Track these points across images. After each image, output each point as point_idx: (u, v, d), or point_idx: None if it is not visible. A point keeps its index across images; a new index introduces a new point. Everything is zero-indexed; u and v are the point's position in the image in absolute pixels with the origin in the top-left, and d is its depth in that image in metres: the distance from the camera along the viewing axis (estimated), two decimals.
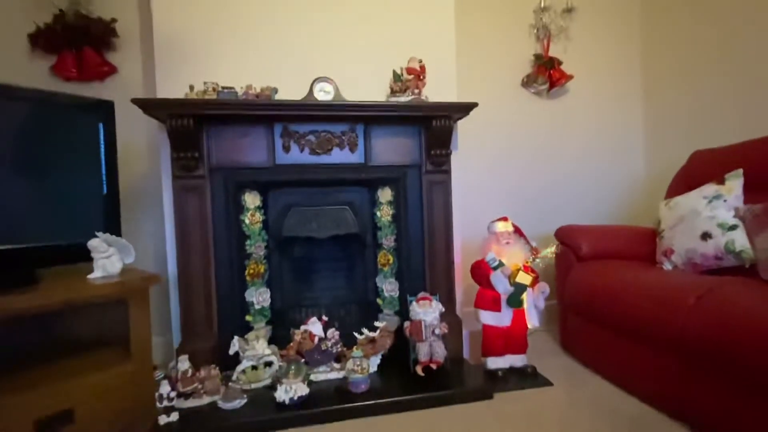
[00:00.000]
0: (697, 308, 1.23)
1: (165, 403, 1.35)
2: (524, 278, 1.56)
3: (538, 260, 1.63)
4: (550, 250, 1.63)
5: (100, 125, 1.46)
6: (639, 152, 2.59)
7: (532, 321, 1.63)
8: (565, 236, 1.93)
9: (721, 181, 1.66)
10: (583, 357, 1.82)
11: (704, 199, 1.64)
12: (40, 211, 1.36)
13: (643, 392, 1.47)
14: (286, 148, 1.66)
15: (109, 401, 1.28)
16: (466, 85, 2.05)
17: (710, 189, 1.66)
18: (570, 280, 1.85)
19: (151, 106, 1.44)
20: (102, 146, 1.46)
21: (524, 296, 1.60)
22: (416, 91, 1.70)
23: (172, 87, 1.60)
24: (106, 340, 1.46)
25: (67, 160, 1.41)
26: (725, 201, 1.58)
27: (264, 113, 1.56)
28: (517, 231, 1.72)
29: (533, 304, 1.63)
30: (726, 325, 1.13)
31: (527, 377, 1.67)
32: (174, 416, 1.36)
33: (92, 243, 1.35)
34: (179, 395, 1.43)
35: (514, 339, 1.68)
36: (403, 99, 1.68)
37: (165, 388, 1.36)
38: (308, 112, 1.59)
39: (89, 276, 1.35)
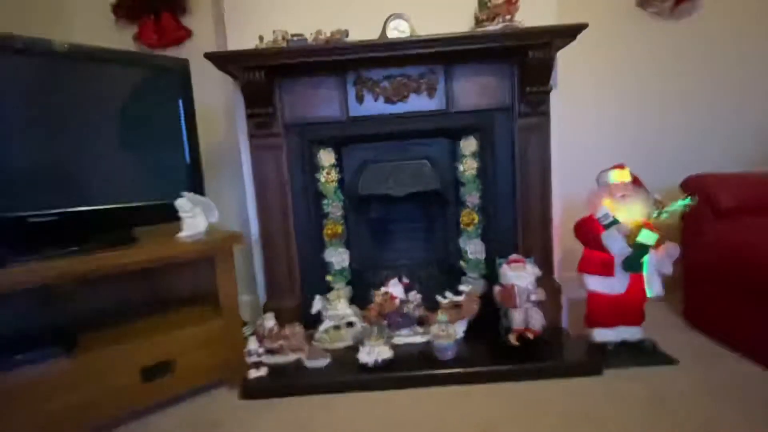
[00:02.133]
0: None
1: (254, 358, 1.37)
2: (648, 237, 1.27)
3: (665, 215, 1.32)
4: (682, 203, 1.31)
5: (181, 91, 1.45)
6: None
7: (654, 289, 1.35)
8: (697, 187, 1.55)
9: None
10: (715, 332, 1.50)
11: None
12: (133, 174, 1.41)
13: None
14: (360, 98, 1.52)
15: (204, 354, 1.34)
16: (566, 6, 1.69)
17: None
18: (704, 240, 1.50)
19: (222, 60, 1.39)
20: (182, 110, 1.46)
21: (645, 259, 1.32)
22: (507, 17, 1.43)
23: (242, 41, 1.53)
24: (197, 297, 1.52)
25: (152, 123, 1.43)
26: None
27: (335, 58, 1.42)
28: (636, 182, 1.41)
29: (656, 268, 1.34)
30: None
31: (644, 353, 1.41)
32: (263, 371, 1.38)
33: (179, 202, 1.38)
34: (267, 351, 1.45)
35: (628, 309, 1.43)
36: (492, 28, 1.42)
37: (253, 344, 1.38)
38: (381, 52, 1.41)
39: (178, 235, 1.39)
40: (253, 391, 1.33)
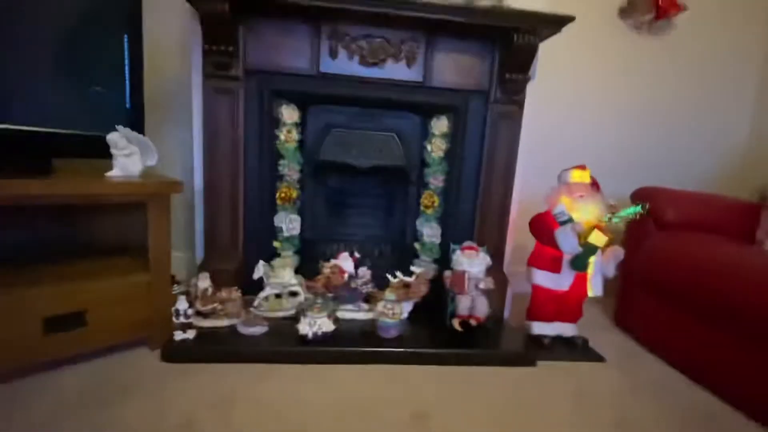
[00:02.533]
0: None
1: (182, 319, 1.25)
2: (598, 239, 1.30)
3: (616, 219, 1.36)
4: (635, 210, 1.35)
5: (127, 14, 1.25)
6: (746, 115, 2.15)
7: (595, 289, 1.40)
8: (647, 198, 1.61)
9: None
10: (643, 336, 1.60)
11: None
12: (63, 98, 1.22)
13: (719, 384, 1.25)
14: (333, 53, 1.41)
15: (124, 309, 1.20)
16: (554, 4, 1.66)
17: None
18: (645, 249, 1.58)
19: None
20: (127, 26, 1.27)
21: (592, 259, 1.36)
22: None
23: None
24: (123, 247, 1.37)
25: (88, 39, 1.24)
26: None
27: (312, 3, 1.28)
28: (595, 184, 1.44)
29: (601, 270, 1.38)
30: None
31: (576, 349, 1.47)
32: (190, 333, 1.27)
33: (111, 137, 1.21)
34: (198, 314, 1.33)
35: (568, 306, 1.47)
36: (484, 3, 1.35)
37: (182, 304, 1.25)
38: (363, 6, 1.30)
39: (107, 173, 1.22)
40: (175, 353, 1.22)
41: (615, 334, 1.68)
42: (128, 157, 1.24)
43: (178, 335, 1.26)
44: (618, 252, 1.36)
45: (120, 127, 1.22)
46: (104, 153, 1.22)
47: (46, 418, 0.95)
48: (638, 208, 1.34)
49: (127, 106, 1.32)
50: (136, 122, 1.32)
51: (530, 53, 1.39)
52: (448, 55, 1.46)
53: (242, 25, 1.36)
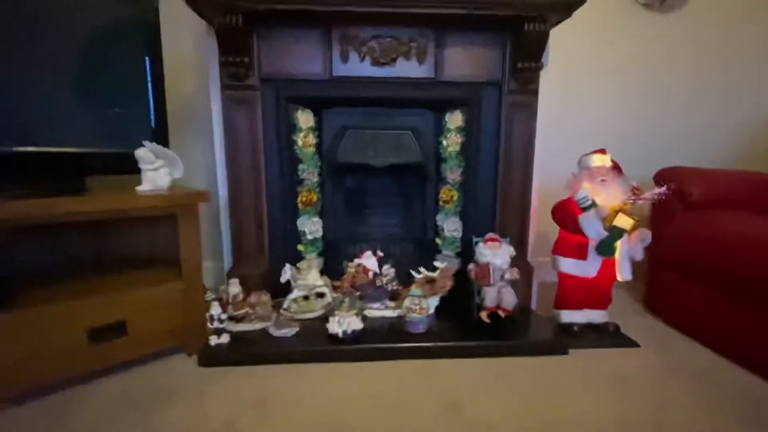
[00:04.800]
0: None
1: (216, 324, 1.29)
2: (624, 222, 1.28)
3: (640, 203, 1.34)
4: (659, 190, 1.32)
5: (149, 27, 1.31)
6: (765, 87, 2.07)
7: (624, 273, 1.37)
8: (670, 179, 1.58)
9: None
10: (675, 319, 1.56)
11: None
12: (92, 118, 1.28)
13: (756, 362, 1.22)
14: (345, 57, 1.43)
15: (161, 317, 1.25)
16: None
17: None
18: (672, 230, 1.54)
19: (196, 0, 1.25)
20: (150, 50, 1.33)
21: (618, 244, 1.34)
22: None
23: None
24: (157, 257, 1.42)
25: (115, 61, 1.30)
26: None
27: (321, 8, 1.31)
28: (616, 167, 1.42)
29: (628, 254, 1.36)
30: None
31: (608, 335, 1.45)
32: (225, 338, 1.31)
33: (139, 153, 1.26)
34: (230, 319, 1.37)
35: (596, 292, 1.45)
36: None
37: (216, 310, 1.29)
38: (372, 7, 1.32)
39: (137, 188, 1.27)
40: (212, 358, 1.25)
41: (647, 319, 1.64)
42: (156, 171, 1.29)
43: (213, 340, 1.30)
44: (645, 234, 1.34)
45: (147, 143, 1.26)
46: (133, 169, 1.28)
47: (94, 425, 1.00)
48: (663, 188, 1.32)
49: (152, 125, 1.38)
50: (161, 138, 1.37)
51: (542, 41, 1.38)
52: (458, 48, 1.47)
53: (256, 35, 1.40)
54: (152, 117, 1.37)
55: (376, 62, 1.44)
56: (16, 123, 1.15)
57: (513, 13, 1.32)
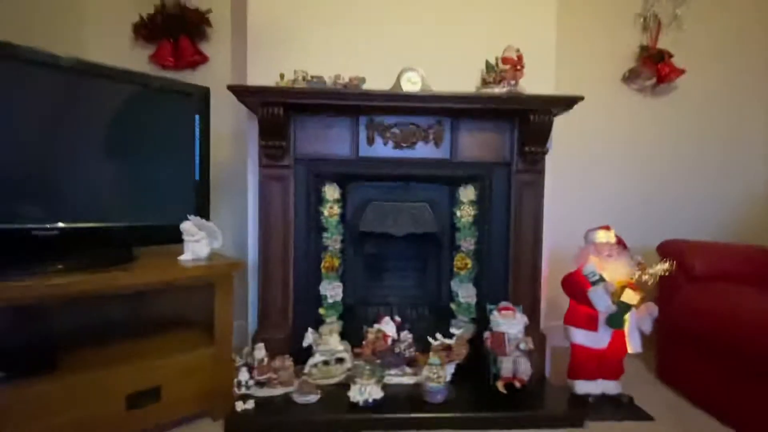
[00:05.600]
0: None
1: (243, 390, 1.35)
2: (631, 297, 1.37)
3: (645, 277, 1.43)
4: (662, 267, 1.42)
5: (197, 116, 1.50)
6: (759, 162, 2.24)
7: (634, 345, 1.43)
8: (673, 252, 1.68)
9: None
10: (686, 390, 1.59)
11: None
12: (137, 193, 1.42)
13: None
14: (370, 140, 1.60)
15: (192, 382, 1.31)
16: (560, 76, 1.86)
17: None
18: (678, 303, 1.62)
19: (245, 94, 1.44)
20: (197, 134, 1.50)
21: (627, 317, 1.41)
22: (512, 82, 1.56)
23: (262, 76, 1.59)
24: (188, 321, 1.50)
25: (163, 145, 1.46)
26: None
27: (351, 103, 1.51)
28: (621, 243, 1.53)
29: (637, 326, 1.43)
30: None
31: (622, 407, 1.48)
32: (250, 404, 1.36)
33: (184, 226, 1.39)
34: (255, 383, 1.42)
35: (608, 363, 1.50)
36: (498, 90, 1.55)
37: (244, 375, 1.36)
38: (395, 102, 1.51)
39: (180, 258, 1.38)
40: (239, 424, 1.30)
41: (659, 389, 1.67)
42: (198, 243, 1.41)
43: (239, 406, 1.34)
44: (652, 308, 1.41)
45: (191, 217, 1.40)
46: (175, 239, 1.40)
47: None
48: (666, 264, 1.41)
49: (195, 188, 1.51)
50: (203, 203, 1.50)
51: (546, 129, 1.55)
52: (472, 133, 1.64)
53: (292, 121, 1.58)
54: (196, 193, 1.50)
55: (398, 146, 1.61)
56: (81, 202, 1.29)
57: (520, 107, 1.50)
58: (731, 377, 1.37)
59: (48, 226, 1.20)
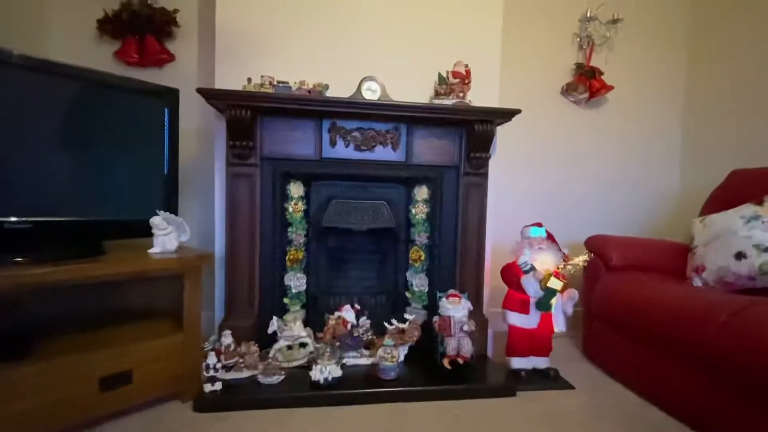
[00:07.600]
0: (729, 326, 1.26)
1: (211, 372, 1.45)
2: (555, 283, 1.60)
3: (569, 267, 1.67)
4: (581, 259, 1.66)
5: (166, 110, 1.57)
6: (675, 167, 2.58)
7: (559, 325, 1.67)
8: (595, 246, 1.96)
9: (759, 202, 1.66)
10: (605, 364, 1.86)
11: (741, 219, 1.64)
12: (107, 188, 1.48)
13: (666, 403, 1.50)
14: (333, 143, 1.74)
15: (162, 366, 1.40)
16: (506, 88, 2.07)
17: (748, 209, 1.66)
18: (598, 289, 1.88)
19: (214, 96, 1.54)
20: (166, 130, 1.57)
21: (553, 301, 1.64)
22: (460, 94, 1.75)
23: (229, 78, 1.69)
24: (158, 311, 1.58)
25: (132, 141, 1.52)
26: (763, 222, 1.59)
27: (315, 108, 1.64)
28: (550, 237, 1.76)
29: (561, 309, 1.67)
30: (759, 344, 1.16)
31: (549, 379, 1.72)
32: (218, 386, 1.46)
33: (154, 220, 1.47)
34: (222, 367, 1.53)
35: (539, 341, 1.73)
36: (447, 102, 1.73)
37: (212, 359, 1.46)
38: (356, 109, 1.66)
39: (150, 251, 1.46)
40: (207, 404, 1.41)
41: (584, 364, 1.93)
42: (166, 236, 1.49)
43: (208, 387, 1.45)
44: (573, 294, 1.66)
45: (161, 212, 1.48)
46: (145, 233, 1.47)
47: None
48: (585, 257, 1.66)
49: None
50: (171, 198, 1.57)
51: (489, 137, 1.75)
52: (425, 139, 1.82)
53: (259, 123, 1.68)
54: (165, 188, 1.58)
55: (358, 148, 1.75)
56: (53, 196, 1.34)
57: (467, 117, 1.69)
58: (642, 352, 1.62)
59: (16, 219, 1.25)
